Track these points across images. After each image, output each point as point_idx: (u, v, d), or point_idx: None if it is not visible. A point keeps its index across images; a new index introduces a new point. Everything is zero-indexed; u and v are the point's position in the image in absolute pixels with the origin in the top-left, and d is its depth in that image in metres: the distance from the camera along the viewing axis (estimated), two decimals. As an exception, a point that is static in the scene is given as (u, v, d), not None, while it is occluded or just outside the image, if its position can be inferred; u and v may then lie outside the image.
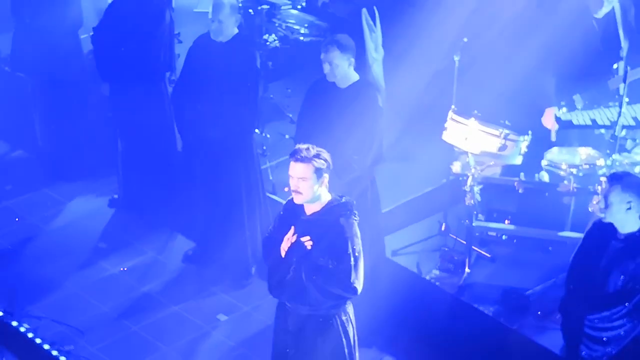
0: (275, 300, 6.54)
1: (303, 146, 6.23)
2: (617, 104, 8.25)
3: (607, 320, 6.39)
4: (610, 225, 6.32)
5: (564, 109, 8.59)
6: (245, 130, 8.34)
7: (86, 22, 9.68)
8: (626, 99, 8.05)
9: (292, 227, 6.26)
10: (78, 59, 9.68)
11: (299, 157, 6.18)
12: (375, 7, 9.09)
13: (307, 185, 6.19)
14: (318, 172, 6.19)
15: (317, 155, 6.20)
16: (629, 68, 8.04)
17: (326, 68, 7.51)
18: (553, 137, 8.57)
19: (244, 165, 8.43)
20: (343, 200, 6.30)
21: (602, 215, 6.32)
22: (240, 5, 8.92)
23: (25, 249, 8.98)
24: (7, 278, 8.60)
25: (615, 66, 8.61)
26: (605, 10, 8.56)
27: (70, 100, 9.64)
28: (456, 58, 8.47)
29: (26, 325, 7.83)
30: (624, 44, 8.70)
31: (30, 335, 7.72)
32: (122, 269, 8.76)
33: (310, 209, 6.30)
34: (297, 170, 6.19)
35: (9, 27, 9.89)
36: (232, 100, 8.12)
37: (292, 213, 6.36)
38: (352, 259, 6.16)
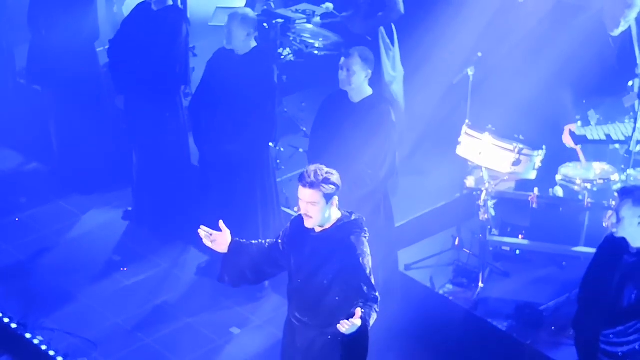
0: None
1: (311, 169, 6.07)
2: (632, 119, 8.24)
3: (622, 334, 6.36)
4: (623, 239, 6.29)
5: (579, 123, 8.57)
6: (262, 143, 8.36)
7: (102, 34, 9.71)
8: (641, 114, 8.04)
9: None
10: (94, 72, 9.70)
11: (307, 182, 6.03)
12: (393, 26, 9.07)
13: (317, 210, 6.07)
14: (327, 196, 6.06)
15: (326, 180, 6.03)
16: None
17: (342, 74, 7.51)
18: (581, 158, 8.51)
19: (260, 178, 8.44)
20: (353, 217, 6.21)
21: (615, 229, 6.31)
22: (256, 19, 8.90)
23: (39, 261, 8.99)
24: (21, 290, 8.62)
25: (630, 83, 8.59)
26: (621, 29, 8.54)
27: (85, 113, 9.66)
28: (470, 72, 8.46)
29: (40, 337, 7.86)
30: (640, 61, 8.70)
31: (43, 347, 7.76)
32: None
33: (320, 227, 6.20)
34: (306, 195, 6.06)
35: (25, 40, 9.93)
36: (250, 113, 8.15)
37: (302, 229, 6.24)
38: (367, 270, 6.08)
